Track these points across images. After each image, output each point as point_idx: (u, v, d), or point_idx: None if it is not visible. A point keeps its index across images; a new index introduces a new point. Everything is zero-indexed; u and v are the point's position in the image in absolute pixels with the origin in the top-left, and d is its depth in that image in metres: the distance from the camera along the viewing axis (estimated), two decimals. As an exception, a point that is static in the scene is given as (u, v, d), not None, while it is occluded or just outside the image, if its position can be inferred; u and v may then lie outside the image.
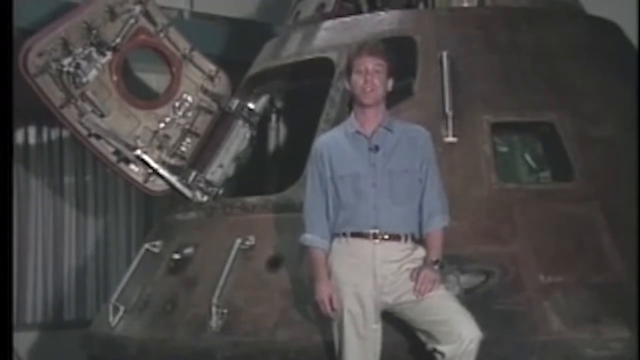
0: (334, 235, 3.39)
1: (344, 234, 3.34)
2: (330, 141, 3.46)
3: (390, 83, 3.43)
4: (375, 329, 3.30)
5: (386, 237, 3.29)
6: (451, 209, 3.52)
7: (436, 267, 3.34)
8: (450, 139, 4.01)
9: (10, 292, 3.40)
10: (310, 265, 3.43)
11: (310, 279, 3.48)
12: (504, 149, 4.23)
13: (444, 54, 4.15)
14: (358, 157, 3.37)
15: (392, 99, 3.65)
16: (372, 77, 3.33)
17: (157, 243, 4.66)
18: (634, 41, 4.33)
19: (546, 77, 4.24)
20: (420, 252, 3.38)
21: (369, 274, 3.28)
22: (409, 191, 3.37)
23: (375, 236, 3.29)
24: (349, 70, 3.41)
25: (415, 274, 3.30)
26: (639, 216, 3.87)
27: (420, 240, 3.42)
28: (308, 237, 3.41)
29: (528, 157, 4.26)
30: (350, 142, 3.39)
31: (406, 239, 3.34)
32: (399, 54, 3.67)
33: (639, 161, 4.03)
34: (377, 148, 3.36)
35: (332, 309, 3.28)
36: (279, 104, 5.28)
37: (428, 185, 3.40)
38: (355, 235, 3.31)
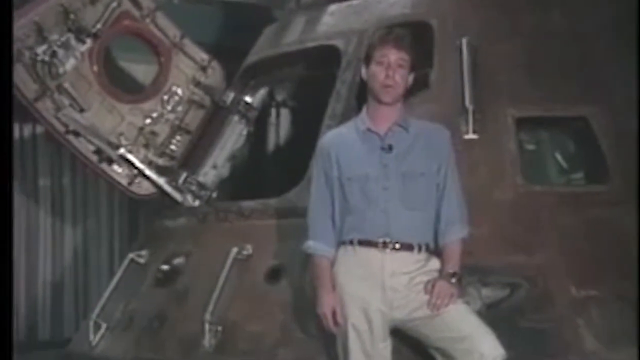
0: (340, 242, 3.44)
1: (351, 242, 3.38)
2: (338, 138, 3.51)
3: (411, 78, 3.47)
4: (383, 347, 3.34)
5: (397, 246, 3.34)
6: (472, 214, 3.55)
7: (454, 280, 3.38)
8: (471, 135, 4.07)
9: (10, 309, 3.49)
10: (313, 275, 3.48)
11: (313, 289, 3.53)
12: (531, 147, 4.29)
13: (464, 40, 4.21)
14: (369, 157, 3.41)
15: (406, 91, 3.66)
16: (394, 72, 3.37)
17: (143, 253, 4.75)
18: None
19: (579, 66, 4.31)
20: (435, 263, 3.43)
21: (378, 287, 3.32)
22: (424, 196, 3.41)
23: (385, 245, 3.33)
24: (367, 59, 3.44)
25: (429, 287, 3.35)
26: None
27: (435, 251, 3.46)
28: (312, 245, 3.46)
29: (558, 156, 4.32)
30: (361, 140, 3.44)
31: (420, 249, 3.39)
32: (414, 41, 3.70)
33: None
34: (390, 148, 3.41)
35: (336, 323, 3.33)
36: (279, 97, 5.42)
37: (446, 191, 3.44)
38: (363, 243, 3.36)
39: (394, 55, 3.37)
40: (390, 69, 3.36)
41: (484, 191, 3.97)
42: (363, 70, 3.47)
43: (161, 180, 4.82)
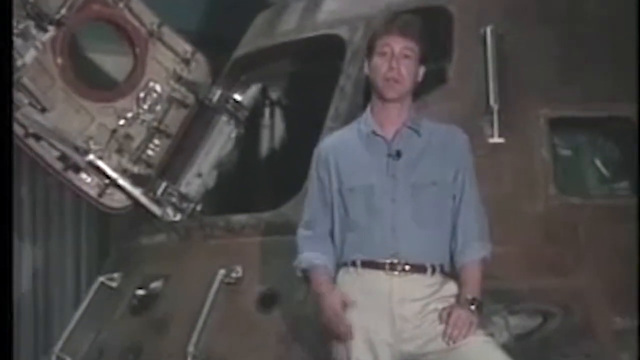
0: (340, 264, 3.44)
1: (353, 263, 3.38)
2: (338, 143, 3.53)
3: (421, 72, 3.48)
4: (391, 385, 3.32)
5: (407, 268, 3.34)
6: (495, 230, 3.55)
7: (473, 307, 3.35)
8: (496, 139, 4.13)
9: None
10: (312, 288, 3.47)
11: (315, 311, 3.45)
12: (566, 153, 4.35)
13: (488, 29, 4.25)
14: (374, 165, 3.42)
15: (419, 88, 3.66)
16: (398, 63, 3.37)
17: (116, 275, 4.82)
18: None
19: (621, 57, 4.35)
20: (451, 287, 3.43)
21: (385, 316, 3.31)
22: (438, 210, 3.42)
23: (393, 267, 3.33)
24: (369, 51, 3.45)
25: (445, 315, 3.33)
26: None
27: (452, 273, 3.45)
28: (305, 256, 3.47)
29: (598, 163, 4.38)
30: (365, 146, 3.45)
31: (433, 271, 3.38)
32: (429, 30, 3.72)
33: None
34: (398, 154, 3.41)
35: (344, 328, 3.28)
36: (273, 94, 5.41)
37: (464, 203, 3.44)
38: (367, 265, 3.35)
39: (398, 45, 3.38)
40: (394, 59, 3.37)
41: (511, 203, 4.01)
42: (366, 65, 3.48)
43: (137, 191, 4.88)
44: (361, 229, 3.40)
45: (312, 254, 3.44)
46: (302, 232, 3.52)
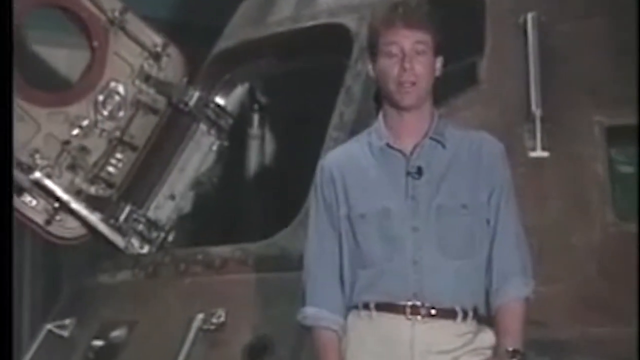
0: (350, 307, 3.42)
1: (366, 306, 3.36)
2: (345, 159, 3.53)
3: (439, 64, 3.48)
4: None
5: (433, 312, 3.32)
6: (540, 264, 3.55)
7: None
8: (539, 152, 4.14)
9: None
10: (315, 354, 3.46)
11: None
12: (626, 169, 4.34)
13: (529, 16, 4.26)
14: (389, 186, 3.42)
15: (445, 90, 3.70)
16: (411, 63, 3.37)
17: (67, 322, 4.82)
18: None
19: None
20: (488, 336, 3.39)
21: None
22: (469, 238, 3.41)
23: (415, 310, 3.31)
24: (371, 50, 3.47)
25: None
26: None
27: (487, 318, 3.41)
28: (310, 313, 3.46)
29: (666, 182, 4.34)
30: (377, 162, 3.45)
31: (465, 316, 3.35)
32: (456, 19, 3.77)
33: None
34: (419, 171, 3.41)
35: None
36: (264, 97, 5.42)
37: (500, 230, 3.43)
38: (383, 308, 3.34)
39: (408, 40, 3.38)
40: (407, 59, 3.38)
41: (559, 231, 4.02)
42: (369, 67, 3.50)
43: (94, 217, 4.89)
44: (376, 263, 3.40)
45: (318, 312, 3.45)
46: (306, 273, 3.51)
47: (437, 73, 3.47)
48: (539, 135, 4.17)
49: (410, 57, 3.38)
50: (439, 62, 3.47)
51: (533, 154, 4.14)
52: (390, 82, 3.40)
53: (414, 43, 3.38)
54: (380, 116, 3.52)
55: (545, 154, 4.15)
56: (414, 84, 3.39)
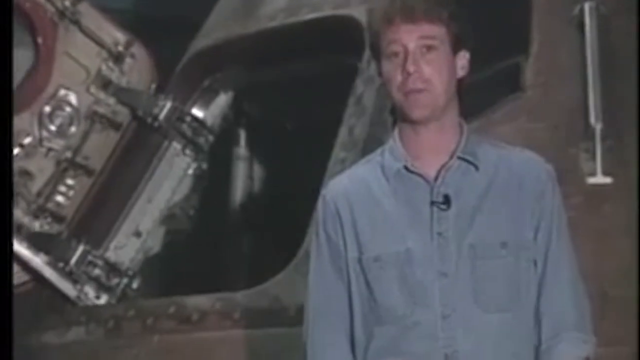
0: None
1: None
2: (353, 187, 3.31)
3: (463, 61, 3.26)
4: None
5: None
6: (604, 320, 3.51)
7: None
8: (600, 178, 3.96)
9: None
10: None
11: None
12: None
13: (587, 5, 4.05)
14: (410, 220, 3.21)
15: (480, 99, 3.63)
16: (417, 64, 3.16)
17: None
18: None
19: None
20: None
21: None
22: (512, 285, 3.21)
23: None
24: (374, 52, 3.32)
25: None
26: None
27: None
28: None
29: None
30: (393, 189, 3.24)
31: None
32: (494, 10, 3.71)
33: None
34: (447, 200, 3.19)
35: None
36: (252, 109, 5.25)
37: (551, 274, 3.23)
38: None
39: (411, 36, 3.17)
40: (411, 60, 3.18)
41: (626, 277, 3.88)
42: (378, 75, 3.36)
43: (38, 260, 4.68)
44: (395, 319, 3.19)
45: None
46: (307, 330, 3.31)
47: (462, 72, 3.28)
48: (598, 156, 4.00)
49: (416, 56, 3.18)
50: (462, 58, 3.27)
51: (592, 180, 4.00)
52: (394, 90, 3.23)
53: (420, 38, 3.19)
54: (396, 132, 3.32)
55: (608, 179, 4.00)
56: (421, 91, 3.18)
